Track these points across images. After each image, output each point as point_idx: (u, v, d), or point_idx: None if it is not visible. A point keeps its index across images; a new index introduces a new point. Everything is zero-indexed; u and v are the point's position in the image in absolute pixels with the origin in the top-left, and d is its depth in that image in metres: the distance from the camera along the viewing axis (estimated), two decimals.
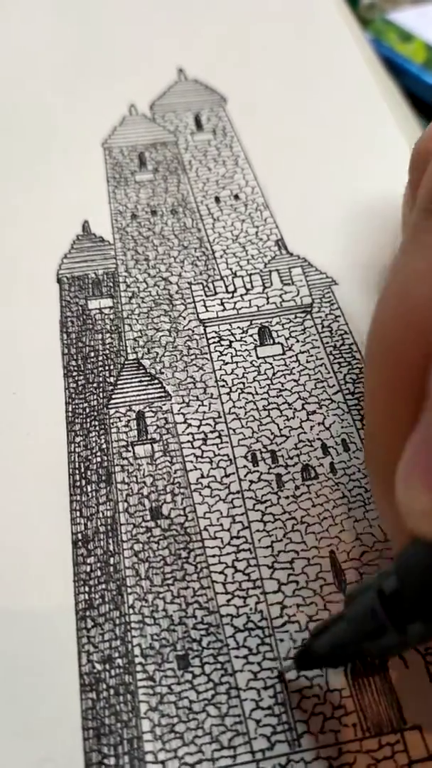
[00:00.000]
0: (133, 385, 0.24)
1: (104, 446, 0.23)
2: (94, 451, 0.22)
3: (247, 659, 0.19)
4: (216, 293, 0.26)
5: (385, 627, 0.15)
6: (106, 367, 0.24)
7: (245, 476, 0.22)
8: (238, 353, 0.25)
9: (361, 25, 0.39)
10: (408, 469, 0.13)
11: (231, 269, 0.27)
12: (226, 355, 0.25)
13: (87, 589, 0.20)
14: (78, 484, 0.22)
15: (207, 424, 0.23)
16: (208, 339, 0.25)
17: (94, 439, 0.23)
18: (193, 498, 0.21)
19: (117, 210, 0.29)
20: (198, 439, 0.23)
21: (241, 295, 0.26)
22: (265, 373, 0.24)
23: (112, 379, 0.24)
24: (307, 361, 0.24)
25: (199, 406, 0.23)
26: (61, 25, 0.37)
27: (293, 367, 0.24)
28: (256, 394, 0.24)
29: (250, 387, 0.24)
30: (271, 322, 0.25)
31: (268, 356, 0.25)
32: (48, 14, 0.38)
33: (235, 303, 0.26)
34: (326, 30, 0.37)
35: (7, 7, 0.38)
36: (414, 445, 0.13)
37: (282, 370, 0.24)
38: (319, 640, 0.17)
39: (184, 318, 0.26)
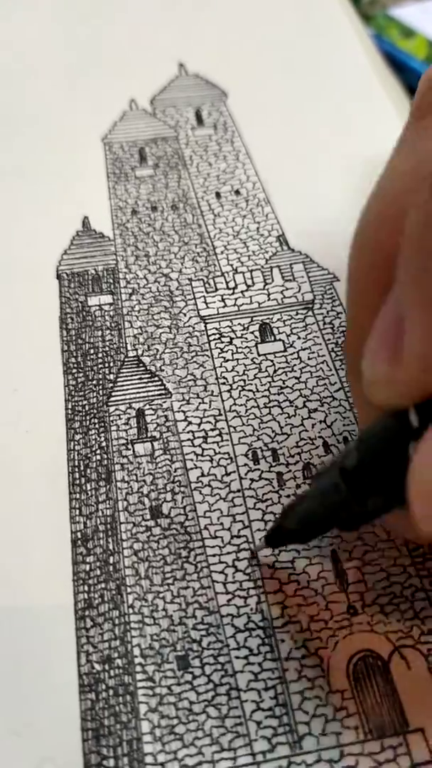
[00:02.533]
0: (133, 382, 0.24)
1: (104, 444, 0.22)
2: (93, 448, 0.22)
3: (247, 660, 0.19)
4: (217, 290, 0.26)
5: (348, 500, 0.16)
6: (106, 364, 0.24)
7: (246, 474, 0.22)
8: (239, 350, 0.24)
9: (363, 20, 0.38)
10: (371, 341, 0.15)
11: (232, 265, 0.27)
12: (226, 352, 0.24)
13: (86, 588, 0.20)
14: (77, 482, 0.22)
15: (207, 421, 0.23)
16: (208, 336, 0.25)
17: (93, 436, 0.22)
18: (193, 496, 0.21)
19: (117, 206, 0.29)
20: (198, 437, 0.22)
21: (242, 292, 0.26)
22: (266, 371, 0.24)
23: (111, 377, 0.24)
24: (309, 358, 0.24)
25: (200, 403, 0.23)
26: (61, 19, 0.37)
27: (294, 365, 0.24)
28: (257, 391, 0.23)
29: (251, 384, 0.24)
30: (272, 318, 0.25)
31: (270, 353, 0.24)
32: (49, 9, 0.37)
33: (236, 299, 0.26)
34: (328, 25, 0.37)
35: (8, 2, 0.38)
36: (379, 319, 0.15)
37: (283, 368, 0.24)
38: (288, 517, 0.18)
39: (185, 315, 0.25)
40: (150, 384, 0.24)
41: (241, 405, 0.23)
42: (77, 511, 0.21)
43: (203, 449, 0.22)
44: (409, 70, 0.37)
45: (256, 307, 0.25)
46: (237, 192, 0.29)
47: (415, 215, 0.14)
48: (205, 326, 0.25)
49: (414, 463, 0.13)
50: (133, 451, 0.22)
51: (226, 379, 0.24)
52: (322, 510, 0.17)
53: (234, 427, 0.23)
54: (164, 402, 0.23)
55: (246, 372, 0.24)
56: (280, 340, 0.25)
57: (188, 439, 0.22)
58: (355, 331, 0.17)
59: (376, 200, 0.17)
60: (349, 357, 0.18)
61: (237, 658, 0.19)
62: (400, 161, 0.17)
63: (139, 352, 0.24)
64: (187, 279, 0.26)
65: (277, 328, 0.25)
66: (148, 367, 0.24)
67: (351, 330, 0.18)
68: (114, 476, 0.22)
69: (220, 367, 0.24)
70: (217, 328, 0.25)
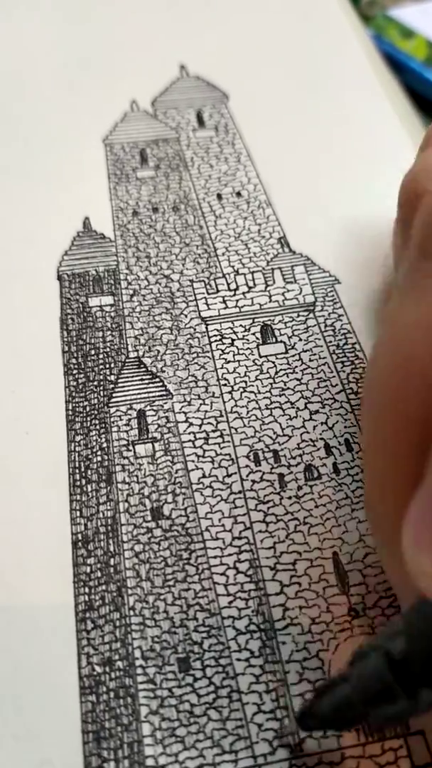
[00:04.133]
0: (134, 383, 0.24)
1: (105, 445, 0.22)
2: (94, 450, 0.22)
3: (248, 662, 0.18)
4: (218, 291, 0.26)
5: (394, 692, 0.14)
6: (107, 365, 0.24)
7: (247, 476, 0.22)
8: (240, 352, 0.24)
9: (362, 21, 0.38)
10: (415, 529, 0.13)
11: (233, 267, 0.27)
12: (228, 353, 0.24)
13: (87, 590, 0.20)
14: (78, 483, 0.22)
15: (209, 423, 0.23)
16: (209, 337, 0.25)
17: (94, 438, 0.22)
18: (194, 498, 0.21)
19: (118, 207, 0.29)
20: (199, 439, 0.22)
21: (244, 293, 0.26)
22: (268, 372, 0.24)
23: (112, 378, 0.24)
24: (310, 360, 0.24)
25: (201, 404, 0.23)
26: (62, 20, 0.37)
27: (296, 366, 0.24)
28: (259, 393, 0.23)
29: (253, 386, 0.24)
30: (273, 320, 0.25)
31: (271, 355, 0.24)
32: (50, 10, 0.37)
33: (237, 301, 0.26)
34: (328, 26, 0.37)
35: (9, 2, 0.38)
36: (419, 503, 0.13)
37: (284, 369, 0.24)
38: (323, 700, 0.16)
39: (186, 316, 0.25)
40: (151, 385, 0.24)
41: (243, 406, 0.23)
42: (78, 513, 0.21)
43: (204, 450, 0.22)
44: (408, 70, 0.37)
45: (257, 308, 0.25)
46: (238, 194, 0.29)
47: None
48: (207, 328, 0.25)
49: None
50: (134, 452, 0.22)
51: (227, 380, 0.24)
52: (362, 699, 0.15)
53: (235, 429, 0.23)
54: (165, 403, 0.23)
55: (247, 373, 0.24)
56: (281, 341, 0.25)
57: (189, 441, 0.22)
58: (380, 498, 0.15)
59: (395, 350, 0.15)
60: (373, 519, 0.16)
61: (238, 660, 0.18)
62: (416, 313, 0.15)
63: (140, 353, 0.24)
64: (189, 280, 0.26)
65: (279, 329, 0.25)
66: (149, 369, 0.24)
67: (375, 495, 0.16)
68: (115, 477, 0.22)
69: (222, 368, 0.24)
70: (218, 330, 0.25)
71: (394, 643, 0.14)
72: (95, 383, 0.24)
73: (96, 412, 0.23)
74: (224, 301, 0.26)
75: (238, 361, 0.24)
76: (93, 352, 0.25)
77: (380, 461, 0.15)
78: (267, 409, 0.23)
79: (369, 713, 0.15)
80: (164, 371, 0.24)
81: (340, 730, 0.17)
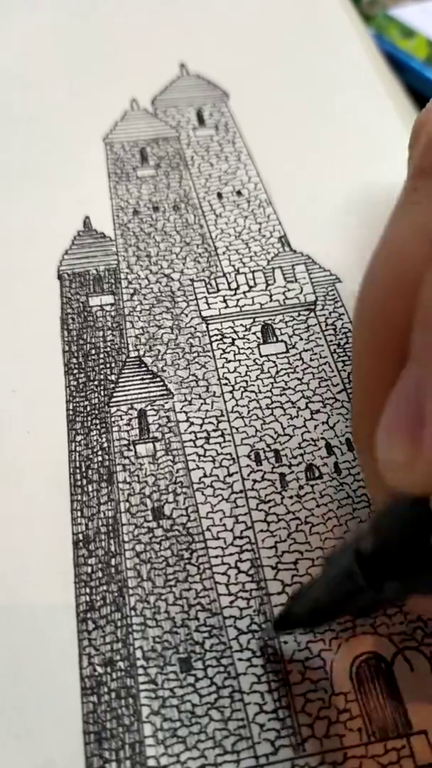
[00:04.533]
0: (134, 383, 0.24)
1: (105, 445, 0.22)
2: (95, 450, 0.22)
3: (250, 662, 0.18)
4: (218, 290, 0.26)
5: (362, 587, 0.15)
6: (108, 365, 0.24)
7: (248, 476, 0.22)
8: (241, 351, 0.24)
9: (363, 20, 0.38)
10: (387, 421, 0.13)
11: (234, 266, 0.27)
12: (228, 352, 0.24)
13: (88, 590, 0.20)
14: (79, 483, 0.21)
15: (209, 422, 0.23)
16: (210, 336, 0.25)
17: (95, 437, 0.22)
18: (195, 498, 0.21)
19: (118, 206, 0.29)
20: (200, 438, 0.22)
21: (244, 293, 0.26)
22: (269, 372, 0.24)
23: (113, 377, 0.24)
24: (311, 360, 0.24)
25: (202, 404, 0.23)
26: (62, 19, 0.37)
27: (297, 366, 0.24)
28: (260, 392, 0.23)
29: (253, 385, 0.23)
30: (274, 319, 0.25)
31: (272, 354, 0.24)
32: (50, 8, 0.37)
33: (237, 300, 0.26)
34: (329, 26, 0.37)
35: (9, 2, 0.37)
36: (394, 397, 0.13)
37: (285, 369, 0.24)
38: (298, 602, 0.17)
39: (187, 315, 0.25)
40: (152, 385, 0.24)
41: (244, 406, 0.23)
42: (79, 513, 0.21)
43: (205, 450, 0.22)
44: (409, 70, 0.37)
45: (258, 308, 0.25)
46: (239, 193, 0.29)
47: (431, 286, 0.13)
48: (207, 327, 0.25)
49: None
50: (135, 452, 0.22)
51: (228, 380, 0.24)
52: (334, 596, 0.16)
53: (236, 428, 0.23)
54: (166, 403, 0.23)
55: (248, 373, 0.24)
56: (282, 341, 0.25)
57: (190, 440, 0.22)
58: (364, 402, 0.16)
59: (383, 265, 0.16)
60: (358, 428, 0.17)
61: (240, 660, 0.18)
62: (408, 224, 0.16)
63: (141, 352, 0.24)
64: (189, 279, 0.26)
65: (279, 329, 0.25)
66: (149, 368, 0.24)
67: (359, 401, 0.16)
68: (116, 477, 0.22)
69: (222, 368, 0.24)
70: (219, 329, 0.25)
71: (364, 542, 0.15)
72: (96, 383, 0.24)
73: (97, 411, 0.23)
74: (225, 301, 0.26)
75: (239, 360, 0.24)
76: (93, 351, 0.24)
77: (364, 369, 0.16)
78: (268, 408, 0.23)
79: (340, 609, 0.16)
80: (165, 371, 0.24)
81: (315, 627, 0.18)
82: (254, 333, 0.25)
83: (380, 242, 0.16)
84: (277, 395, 0.23)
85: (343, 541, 0.16)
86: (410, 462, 0.13)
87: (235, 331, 0.25)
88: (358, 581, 0.15)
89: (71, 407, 0.23)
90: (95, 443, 0.22)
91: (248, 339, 0.25)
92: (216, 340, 0.25)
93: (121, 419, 0.23)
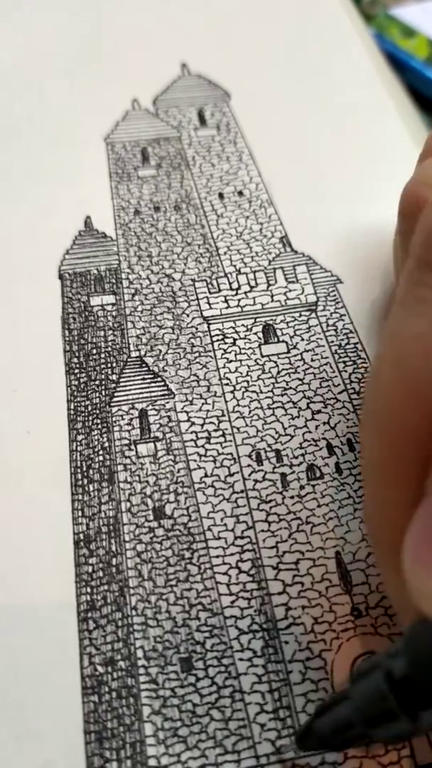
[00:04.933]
0: (135, 382, 0.24)
1: (106, 445, 0.22)
2: (96, 449, 0.22)
3: (251, 662, 0.18)
4: (220, 290, 0.26)
5: (395, 713, 0.14)
6: (109, 365, 0.24)
7: (249, 475, 0.22)
8: (242, 351, 0.24)
9: (364, 20, 0.38)
10: (415, 548, 0.13)
11: (235, 266, 0.27)
12: (230, 353, 0.24)
13: (89, 590, 0.20)
14: (80, 483, 0.22)
15: (210, 422, 0.23)
16: (211, 337, 0.25)
17: (96, 437, 0.22)
18: (196, 497, 0.21)
19: (119, 206, 0.29)
20: (201, 438, 0.22)
21: (245, 293, 0.26)
22: (270, 372, 0.24)
23: (114, 377, 0.24)
24: (312, 360, 0.24)
25: (203, 404, 0.23)
26: (64, 19, 0.37)
27: (298, 366, 0.24)
28: (261, 392, 0.23)
29: (255, 385, 0.23)
30: (275, 320, 0.25)
31: (273, 354, 0.24)
32: (51, 8, 0.37)
33: (239, 300, 0.26)
34: (330, 25, 0.37)
35: (10, 1, 0.37)
36: (419, 521, 0.13)
37: (287, 369, 0.24)
38: (322, 719, 0.16)
39: (188, 315, 0.25)
40: (153, 384, 0.24)
41: (245, 406, 0.23)
42: (80, 513, 0.21)
43: (206, 450, 0.22)
44: (410, 69, 0.37)
45: (259, 308, 0.25)
46: (240, 193, 0.29)
47: None
48: (209, 327, 0.25)
49: None
50: (136, 451, 0.22)
51: (229, 380, 0.24)
52: (362, 719, 0.15)
53: (237, 428, 0.23)
54: (167, 402, 0.23)
55: (249, 373, 0.24)
56: (283, 341, 0.25)
57: (191, 440, 0.22)
58: (381, 514, 0.15)
59: (392, 368, 0.15)
60: (374, 536, 0.16)
61: (241, 660, 0.18)
62: (414, 322, 0.15)
63: (142, 352, 0.24)
64: (190, 280, 0.26)
65: (281, 329, 0.25)
66: (151, 368, 0.24)
67: (376, 512, 0.16)
68: (117, 477, 0.22)
69: (224, 368, 0.24)
70: (220, 329, 0.25)
71: (395, 663, 0.14)
72: (97, 383, 0.24)
73: (98, 411, 0.23)
74: (226, 301, 0.26)
75: (240, 360, 0.24)
76: (95, 351, 0.24)
77: (380, 477, 0.15)
78: (269, 408, 0.23)
79: (369, 733, 0.15)
80: (166, 371, 0.24)
81: (340, 750, 0.17)
82: (255, 333, 0.25)
83: (388, 340, 0.16)
84: (278, 395, 0.23)
85: (372, 659, 0.15)
86: None
87: (237, 332, 0.25)
88: (392, 706, 0.14)
89: (72, 407, 0.23)
90: (96, 443, 0.22)
91: (249, 339, 0.25)
92: (217, 341, 0.25)
93: (122, 419, 0.23)
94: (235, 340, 0.25)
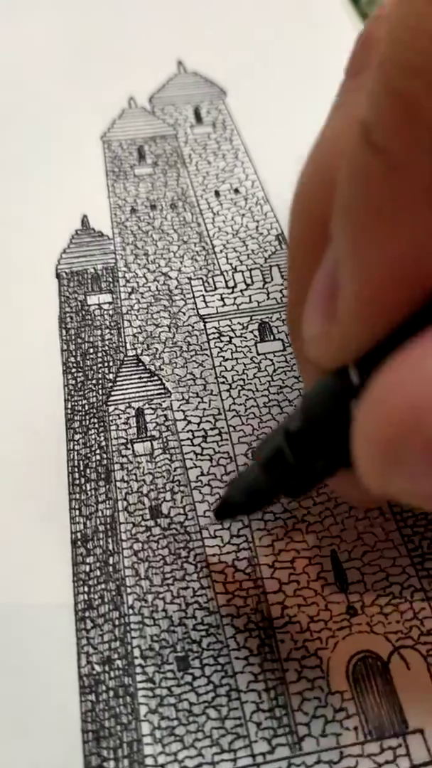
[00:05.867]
0: (132, 381, 0.24)
1: (103, 444, 0.22)
2: (93, 448, 0.22)
3: (247, 661, 0.18)
4: (216, 288, 0.26)
5: (293, 465, 0.15)
6: (106, 364, 0.24)
7: None
8: (239, 349, 0.24)
9: (361, 19, 0.38)
10: (309, 301, 0.14)
11: (231, 264, 0.27)
12: (226, 351, 0.24)
13: (86, 589, 0.20)
14: (77, 482, 0.22)
15: (207, 421, 0.23)
16: (208, 335, 0.25)
17: (93, 436, 0.22)
18: (193, 496, 0.21)
19: (116, 204, 0.29)
20: (198, 437, 0.22)
21: (242, 291, 0.26)
22: (266, 370, 0.24)
23: (111, 376, 0.24)
24: None
25: (199, 402, 0.23)
26: (60, 17, 0.37)
27: (294, 364, 0.24)
28: (257, 390, 0.23)
29: (251, 383, 0.23)
30: (271, 317, 0.25)
31: (269, 352, 0.24)
32: (47, 7, 0.37)
33: (235, 298, 0.26)
34: (327, 23, 0.37)
35: (5, 0, 0.37)
36: (315, 279, 0.14)
37: (283, 367, 0.24)
38: (235, 488, 0.18)
39: (184, 314, 0.25)
40: (149, 383, 0.24)
41: (241, 404, 0.23)
42: (77, 512, 0.21)
43: (203, 448, 0.22)
44: None
45: (255, 306, 0.25)
46: (236, 190, 0.29)
47: (345, 164, 0.13)
48: (205, 325, 0.25)
49: (356, 422, 0.13)
50: (133, 450, 0.22)
51: (225, 378, 0.24)
52: (268, 478, 0.17)
53: (234, 427, 0.23)
54: (164, 401, 0.23)
55: (245, 371, 0.24)
56: (279, 339, 0.24)
57: (188, 439, 0.22)
58: (295, 293, 0.17)
59: (311, 162, 0.16)
60: (290, 318, 0.18)
61: (237, 659, 0.18)
62: (334, 122, 0.17)
63: (139, 351, 0.24)
64: (187, 278, 0.26)
65: (277, 327, 0.25)
66: (147, 367, 0.24)
67: (292, 293, 0.17)
68: (113, 476, 0.22)
69: (220, 366, 0.24)
70: (216, 327, 0.25)
71: (293, 422, 0.15)
72: (94, 381, 0.24)
73: (95, 410, 0.23)
74: (222, 299, 0.26)
75: (237, 358, 0.24)
76: (91, 350, 0.24)
77: (297, 260, 0.16)
78: (265, 406, 0.23)
79: (274, 490, 0.17)
80: (162, 369, 0.24)
81: (252, 512, 0.19)
82: (251, 331, 0.25)
83: (313, 143, 0.17)
84: (274, 393, 0.23)
85: (276, 425, 0.16)
86: (326, 333, 0.14)
87: (233, 329, 0.25)
88: (289, 459, 0.15)
89: (69, 406, 0.23)
90: (93, 442, 0.22)
91: (245, 337, 0.25)
92: (213, 339, 0.25)
93: (119, 418, 0.23)
94: (231, 338, 0.25)
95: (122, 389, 0.24)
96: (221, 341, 0.25)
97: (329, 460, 0.15)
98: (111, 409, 0.23)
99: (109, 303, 0.26)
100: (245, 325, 0.25)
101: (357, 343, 0.13)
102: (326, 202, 0.14)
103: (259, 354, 0.24)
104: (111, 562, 0.20)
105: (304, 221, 0.16)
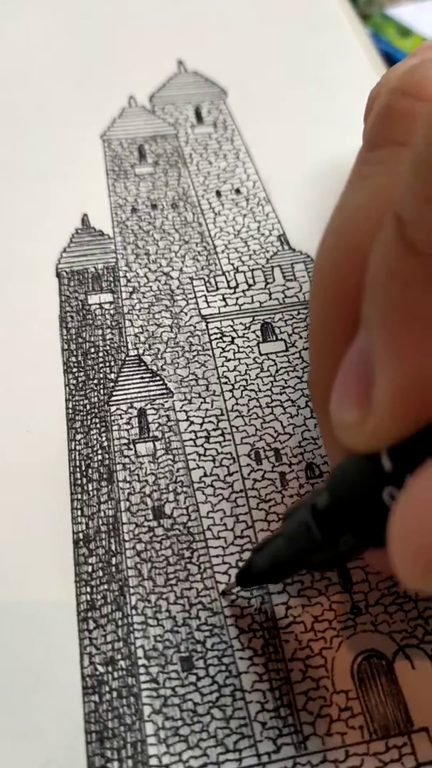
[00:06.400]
0: (134, 381, 0.24)
1: (105, 444, 0.22)
2: (95, 449, 0.22)
3: (252, 661, 0.18)
4: (218, 289, 0.26)
5: (319, 541, 0.16)
6: (107, 364, 0.24)
7: (249, 475, 0.22)
8: (241, 350, 0.24)
9: (360, 19, 0.38)
10: (339, 384, 0.14)
11: (233, 264, 0.27)
12: (228, 351, 0.24)
13: (89, 589, 0.20)
14: (79, 482, 0.21)
15: (209, 421, 0.23)
16: (210, 335, 0.25)
17: (95, 436, 0.22)
18: (195, 497, 0.21)
19: (117, 203, 0.29)
20: (200, 437, 0.22)
21: (243, 291, 0.26)
22: (268, 370, 0.24)
23: (112, 376, 0.24)
24: None
25: (202, 403, 0.23)
26: (61, 16, 0.37)
27: (296, 364, 0.24)
28: (259, 391, 0.23)
29: (253, 384, 0.23)
30: (273, 318, 0.25)
31: (271, 353, 0.24)
32: (48, 6, 0.37)
33: (237, 299, 0.26)
34: (327, 23, 0.37)
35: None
36: (346, 361, 0.14)
37: (285, 367, 0.24)
38: (259, 557, 0.18)
39: (186, 314, 0.25)
40: (151, 383, 0.24)
41: (243, 405, 0.23)
42: (79, 512, 0.21)
43: (205, 449, 0.22)
44: None
45: (257, 306, 0.25)
46: (237, 191, 0.29)
47: (379, 254, 0.13)
48: (207, 325, 0.25)
49: (395, 514, 0.13)
50: (135, 451, 0.22)
51: (227, 378, 0.24)
52: (292, 550, 0.17)
53: (236, 427, 0.23)
54: (166, 401, 0.23)
55: (248, 371, 0.24)
56: (281, 339, 0.25)
57: (190, 439, 0.22)
58: (319, 368, 0.17)
59: (333, 236, 0.16)
60: (315, 393, 0.18)
61: (241, 659, 0.18)
62: (356, 195, 0.16)
63: (140, 351, 0.24)
64: (188, 278, 0.26)
65: (279, 327, 0.25)
66: (149, 367, 0.24)
67: (316, 367, 0.17)
68: (116, 476, 0.22)
69: (222, 366, 0.24)
70: (218, 328, 0.25)
71: (319, 498, 0.16)
72: (95, 381, 0.24)
73: (96, 410, 0.23)
74: (224, 299, 0.26)
75: (239, 359, 0.24)
76: (93, 350, 0.24)
77: (319, 336, 0.17)
78: (268, 407, 0.23)
79: (299, 563, 0.17)
80: (164, 369, 0.24)
81: (276, 582, 0.19)
82: (254, 331, 0.25)
83: (332, 214, 0.17)
84: (277, 394, 0.23)
85: (301, 499, 0.17)
86: (360, 422, 0.14)
87: (235, 330, 0.25)
88: (315, 536, 0.16)
89: (71, 406, 0.23)
90: (95, 442, 0.22)
91: (248, 337, 0.25)
92: (215, 339, 0.25)
93: (121, 418, 0.23)
94: (233, 338, 0.25)
95: (124, 389, 0.23)
96: (223, 341, 0.25)
97: (358, 540, 0.15)
98: (113, 409, 0.23)
99: (110, 302, 0.26)
100: (247, 325, 0.25)
101: (391, 434, 0.13)
102: (352, 280, 0.14)
103: (261, 354, 0.24)
104: (114, 562, 0.20)
105: (328, 297, 0.16)
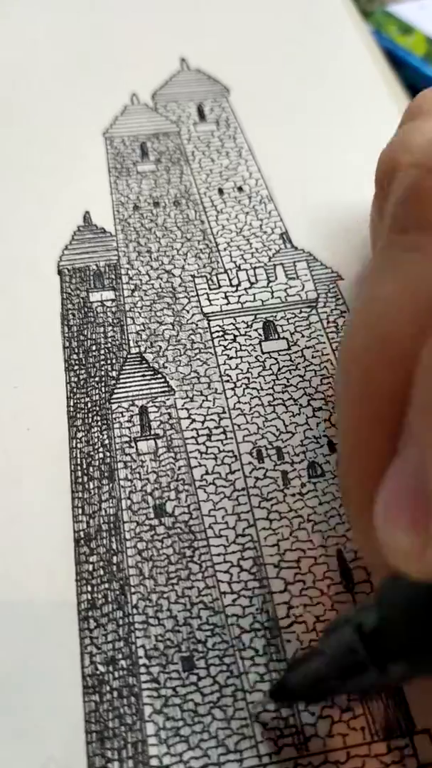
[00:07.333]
0: (135, 379, 0.23)
1: (107, 442, 0.22)
2: (96, 446, 0.22)
3: (253, 661, 0.18)
4: (220, 287, 0.26)
5: (365, 665, 0.14)
6: (109, 361, 0.24)
7: (250, 473, 0.21)
8: (243, 348, 0.24)
9: (362, 16, 0.38)
10: (387, 506, 0.13)
11: (235, 262, 0.27)
12: (230, 349, 0.24)
13: (89, 588, 0.19)
14: (80, 480, 0.21)
15: (211, 419, 0.23)
16: (212, 333, 0.25)
17: (96, 434, 0.22)
18: (197, 495, 0.21)
19: (119, 201, 0.28)
20: (202, 435, 0.22)
21: (246, 289, 0.26)
22: (270, 369, 0.24)
23: (114, 374, 0.24)
24: (313, 357, 0.24)
25: (204, 401, 0.23)
26: (63, 13, 0.36)
27: (298, 363, 0.24)
28: (261, 389, 0.23)
29: (255, 382, 0.23)
30: (275, 316, 0.25)
31: (273, 351, 0.24)
32: (50, 3, 0.37)
33: (239, 297, 0.25)
34: (329, 21, 0.37)
35: None
36: (392, 475, 0.13)
37: (287, 366, 0.24)
38: (295, 673, 0.16)
39: (188, 311, 0.25)
40: (153, 381, 0.23)
41: (245, 403, 0.23)
42: (80, 510, 0.21)
43: (207, 447, 0.22)
44: (408, 66, 0.37)
45: (259, 304, 0.25)
46: (240, 188, 0.29)
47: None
48: (209, 323, 0.25)
49: None
50: (137, 448, 0.22)
51: (229, 376, 0.23)
52: (333, 671, 0.15)
53: (238, 425, 0.22)
54: (167, 399, 0.23)
55: (250, 370, 0.24)
56: (284, 338, 0.24)
57: (192, 437, 0.22)
58: (354, 476, 0.15)
59: (364, 326, 0.15)
60: (346, 497, 0.17)
61: (242, 658, 0.18)
62: (389, 286, 0.15)
63: (142, 348, 0.24)
64: (190, 276, 0.26)
65: (281, 326, 0.25)
66: (151, 365, 0.24)
67: (349, 474, 0.16)
68: (117, 474, 0.21)
69: (224, 364, 0.24)
70: (220, 326, 0.25)
71: (367, 617, 0.14)
72: (97, 379, 0.23)
73: (97, 408, 0.23)
74: (226, 297, 0.25)
75: (241, 357, 0.24)
76: (94, 347, 0.24)
77: (353, 436, 0.15)
78: (270, 405, 0.23)
79: (341, 686, 0.15)
80: (166, 367, 0.24)
81: (313, 702, 0.17)
82: (256, 330, 0.25)
83: (362, 301, 0.16)
84: (279, 392, 0.23)
85: (344, 615, 0.15)
86: (418, 550, 0.12)
87: (237, 328, 0.25)
88: (361, 658, 0.14)
89: (72, 404, 0.23)
90: (96, 440, 0.22)
91: (250, 336, 0.24)
92: (217, 337, 0.24)
93: (122, 416, 0.23)
94: (235, 336, 0.24)
95: (125, 387, 0.23)
96: (225, 339, 0.24)
97: (412, 667, 0.14)
98: (114, 407, 0.23)
99: (112, 300, 0.26)
100: (249, 323, 0.25)
101: None
102: (390, 382, 0.13)
103: (263, 352, 0.24)
104: (115, 561, 0.20)
105: (364, 398, 0.15)
